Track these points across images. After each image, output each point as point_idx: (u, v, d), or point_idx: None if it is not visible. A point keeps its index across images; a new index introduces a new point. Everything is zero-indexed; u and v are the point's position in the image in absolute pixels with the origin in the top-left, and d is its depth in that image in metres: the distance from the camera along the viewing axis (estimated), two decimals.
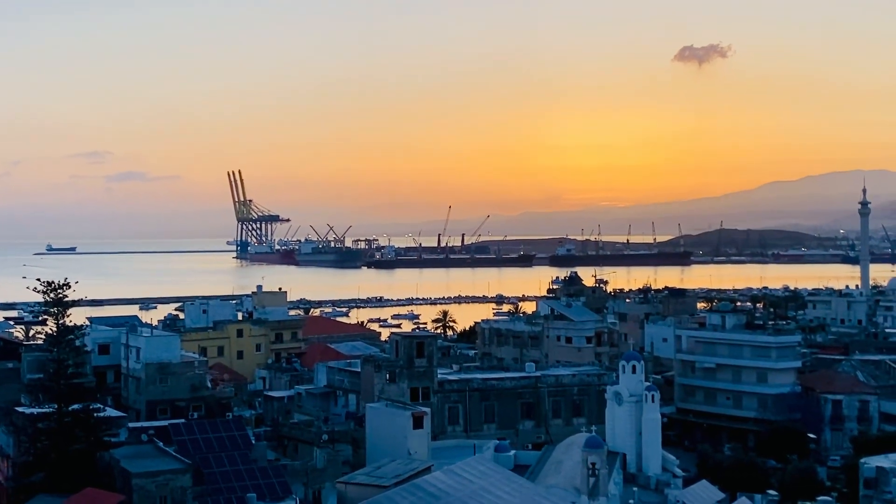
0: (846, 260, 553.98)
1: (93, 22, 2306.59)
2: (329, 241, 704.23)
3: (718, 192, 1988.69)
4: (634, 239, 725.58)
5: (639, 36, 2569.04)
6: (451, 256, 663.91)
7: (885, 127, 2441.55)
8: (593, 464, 49.48)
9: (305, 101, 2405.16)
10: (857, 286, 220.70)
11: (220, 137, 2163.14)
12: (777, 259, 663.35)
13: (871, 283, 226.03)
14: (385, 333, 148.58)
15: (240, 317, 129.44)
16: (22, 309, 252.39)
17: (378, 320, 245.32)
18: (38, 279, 64.82)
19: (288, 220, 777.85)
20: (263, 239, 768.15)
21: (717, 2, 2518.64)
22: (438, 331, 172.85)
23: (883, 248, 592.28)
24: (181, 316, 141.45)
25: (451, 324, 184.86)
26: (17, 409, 66.33)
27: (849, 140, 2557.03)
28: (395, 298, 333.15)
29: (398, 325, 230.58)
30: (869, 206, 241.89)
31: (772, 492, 67.20)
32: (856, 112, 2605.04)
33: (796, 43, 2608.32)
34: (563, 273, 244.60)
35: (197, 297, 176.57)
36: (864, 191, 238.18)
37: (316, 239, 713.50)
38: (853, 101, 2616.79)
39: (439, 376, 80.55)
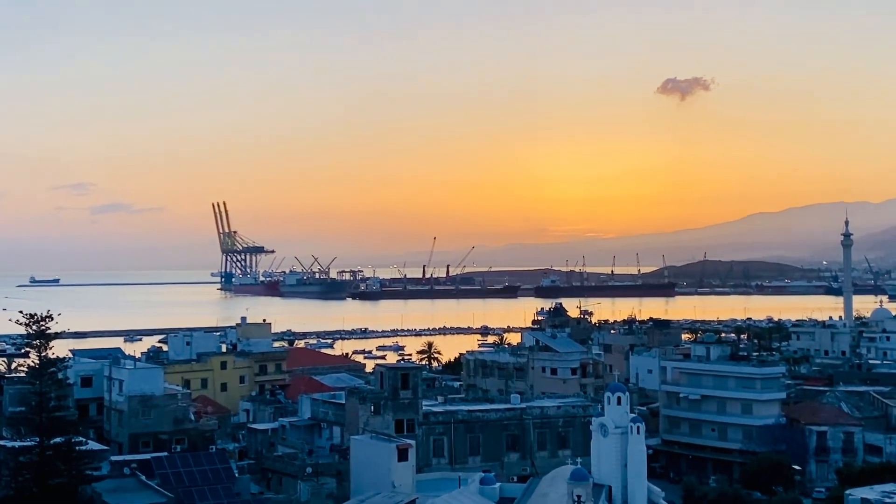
0: (829, 291, 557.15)
1: (77, 54, 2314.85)
2: (314, 273, 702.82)
3: (702, 224, 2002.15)
4: (619, 270, 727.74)
5: (622, 68, 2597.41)
6: (437, 287, 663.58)
7: (867, 159, 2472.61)
8: (579, 496, 49.33)
9: (290, 133, 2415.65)
10: (840, 317, 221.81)
11: (205, 169, 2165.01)
12: (761, 290, 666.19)
13: (854, 314, 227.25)
14: (370, 365, 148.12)
15: (224, 349, 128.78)
16: (4, 341, 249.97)
17: (363, 352, 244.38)
18: (21, 311, 64.43)
19: (273, 252, 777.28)
20: (248, 270, 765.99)
21: (700, 35, 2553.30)
22: (423, 362, 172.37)
23: (866, 280, 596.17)
24: (165, 348, 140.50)
25: (436, 355, 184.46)
26: None
27: (831, 172, 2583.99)
28: (379, 330, 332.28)
29: (383, 357, 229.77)
30: (851, 237, 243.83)
31: None
32: (838, 144, 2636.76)
33: (778, 76, 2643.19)
34: (547, 304, 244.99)
35: (181, 329, 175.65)
36: (847, 222, 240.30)
37: (300, 270, 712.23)
38: (835, 133, 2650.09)
39: (424, 408, 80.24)
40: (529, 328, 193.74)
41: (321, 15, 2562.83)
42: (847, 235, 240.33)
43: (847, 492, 64.49)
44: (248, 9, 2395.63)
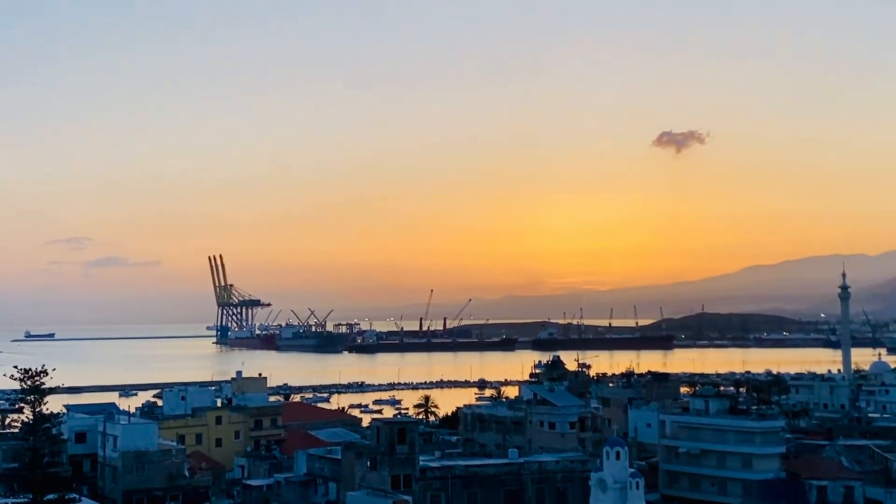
0: (828, 344, 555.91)
1: (71, 109, 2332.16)
2: (310, 326, 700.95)
3: (699, 276, 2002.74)
4: (616, 322, 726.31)
5: (618, 121, 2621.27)
6: (434, 340, 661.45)
7: (863, 212, 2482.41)
8: None
9: (286, 185, 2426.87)
10: (839, 370, 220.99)
11: (202, 222, 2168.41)
12: (759, 343, 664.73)
13: (853, 367, 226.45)
14: (366, 419, 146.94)
15: (219, 403, 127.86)
16: None
17: (359, 406, 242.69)
18: (15, 366, 64.21)
19: (269, 305, 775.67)
20: (244, 324, 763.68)
21: (695, 89, 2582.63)
22: (420, 416, 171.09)
23: (864, 333, 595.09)
24: (159, 403, 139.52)
25: (433, 409, 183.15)
26: None
27: (827, 225, 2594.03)
28: (376, 383, 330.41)
29: (379, 411, 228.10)
30: (849, 290, 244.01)
31: None
32: (833, 197, 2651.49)
33: (774, 129, 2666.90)
34: (545, 357, 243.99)
35: (176, 384, 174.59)
36: (844, 275, 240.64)
37: (297, 323, 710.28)
38: (831, 186, 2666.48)
39: (421, 463, 79.56)
40: (527, 381, 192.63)
41: (318, 67, 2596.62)
42: (844, 288, 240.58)
43: None
44: (243, 62, 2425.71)
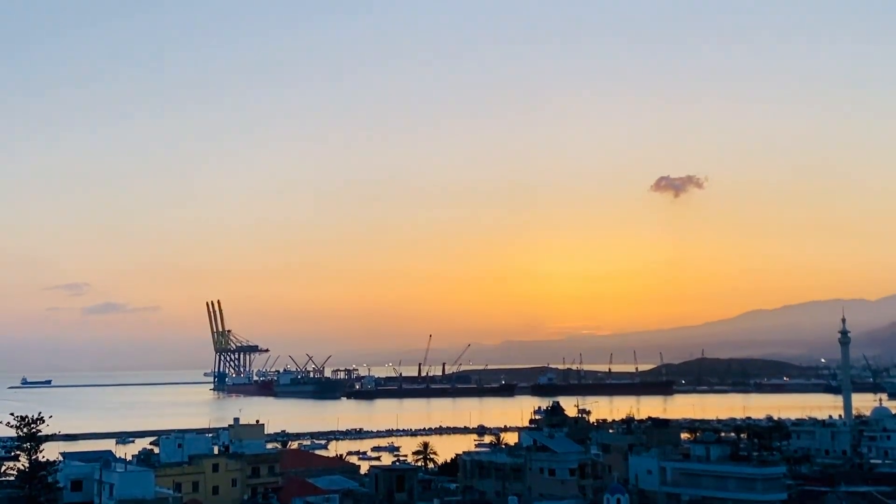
0: (828, 389, 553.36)
1: (69, 157, 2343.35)
2: (308, 372, 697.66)
3: (699, 321, 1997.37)
4: (616, 368, 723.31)
5: (616, 166, 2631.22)
6: (432, 386, 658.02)
7: (862, 257, 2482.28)
8: None
9: (284, 229, 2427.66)
10: (840, 416, 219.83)
11: (200, 268, 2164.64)
12: (759, 388, 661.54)
13: (854, 412, 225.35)
14: (365, 466, 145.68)
15: (216, 450, 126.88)
16: None
17: (357, 453, 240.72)
18: (12, 414, 63.96)
19: (267, 351, 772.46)
20: (242, 370, 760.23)
21: (693, 134, 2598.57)
22: (419, 463, 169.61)
23: (864, 378, 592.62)
24: (156, 450, 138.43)
25: (432, 456, 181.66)
26: None
27: (826, 269, 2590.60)
28: (374, 430, 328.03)
29: (378, 458, 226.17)
30: (849, 335, 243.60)
31: None
32: (832, 242, 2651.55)
33: (772, 174, 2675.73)
34: (545, 403, 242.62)
35: (173, 431, 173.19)
36: (844, 320, 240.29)
37: (295, 369, 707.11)
38: (830, 230, 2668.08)
39: None
40: (527, 428, 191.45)
41: (314, 112, 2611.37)
42: (844, 333, 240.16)
43: None
44: (240, 115, 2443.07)
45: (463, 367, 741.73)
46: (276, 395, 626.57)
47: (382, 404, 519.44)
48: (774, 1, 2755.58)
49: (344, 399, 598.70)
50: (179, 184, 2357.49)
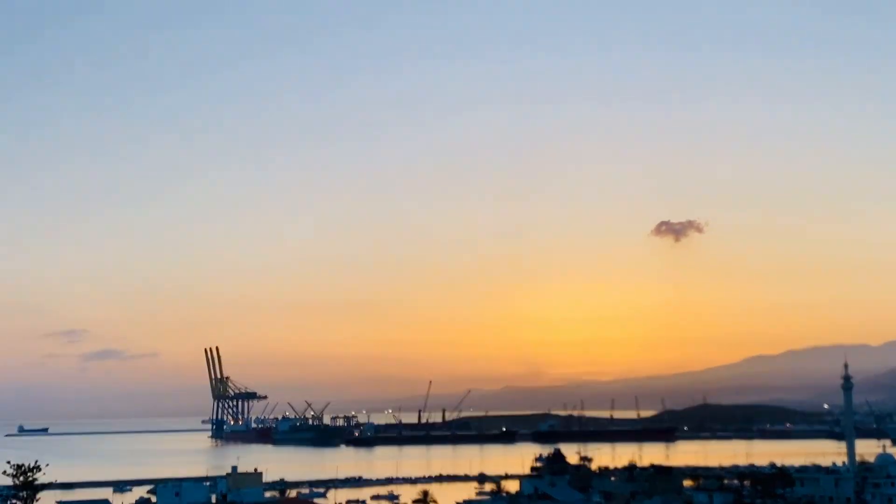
0: (832, 435, 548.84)
1: (69, 204, 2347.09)
2: (307, 419, 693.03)
3: (701, 366, 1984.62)
4: (618, 414, 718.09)
5: (616, 211, 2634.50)
6: (432, 433, 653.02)
7: (865, 302, 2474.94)
8: None
9: (283, 278, 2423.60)
10: (843, 462, 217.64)
11: (198, 312, 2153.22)
12: (763, 435, 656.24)
13: (857, 459, 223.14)
14: None
15: (213, 499, 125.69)
16: None
17: (357, 501, 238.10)
18: (8, 462, 63.37)
19: (265, 398, 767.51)
20: (240, 417, 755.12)
21: (693, 178, 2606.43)
22: None
23: (868, 424, 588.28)
24: (154, 499, 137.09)
25: None
26: None
27: (829, 314, 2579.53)
28: (374, 478, 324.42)
29: None
30: (851, 380, 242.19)
31: None
32: (835, 287, 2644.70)
33: (773, 218, 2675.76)
34: (546, 450, 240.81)
35: (170, 479, 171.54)
36: (846, 365, 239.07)
37: (293, 416, 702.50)
38: (832, 275, 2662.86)
39: None
40: (528, 476, 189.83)
41: (318, 170, 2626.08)
42: (847, 378, 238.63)
43: None
44: (240, 160, 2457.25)
45: (463, 414, 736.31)
46: (274, 442, 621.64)
47: (382, 451, 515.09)
48: (770, 53, 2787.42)
49: (343, 446, 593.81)
50: (176, 228, 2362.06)
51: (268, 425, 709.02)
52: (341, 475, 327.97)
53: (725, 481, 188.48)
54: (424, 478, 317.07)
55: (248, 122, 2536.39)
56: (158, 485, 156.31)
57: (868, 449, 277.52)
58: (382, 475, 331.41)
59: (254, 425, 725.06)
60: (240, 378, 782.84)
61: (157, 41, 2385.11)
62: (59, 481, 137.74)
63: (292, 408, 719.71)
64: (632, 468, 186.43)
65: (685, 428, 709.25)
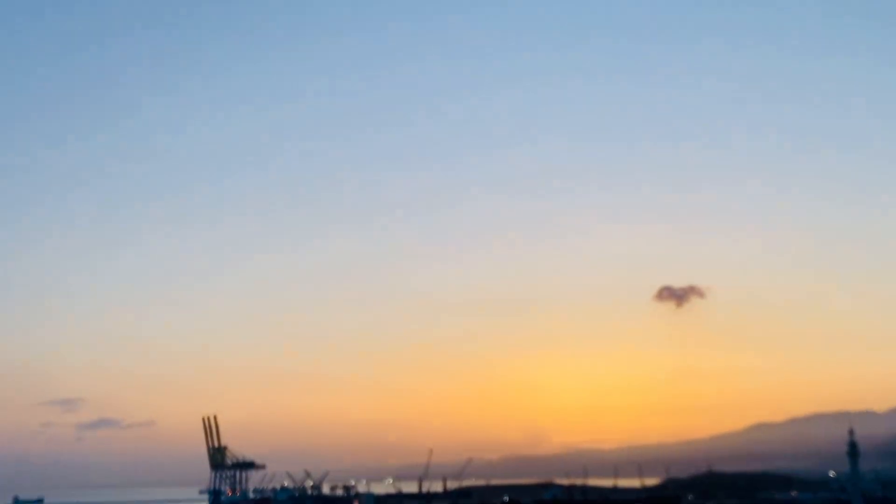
0: (838, 503, 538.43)
1: (65, 273, 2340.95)
2: (305, 489, 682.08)
3: (705, 434, 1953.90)
4: (621, 482, 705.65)
5: (618, 276, 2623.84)
6: (433, 503, 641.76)
7: (869, 367, 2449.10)
8: None
9: (281, 343, 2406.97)
10: None
11: (196, 380, 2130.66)
12: (769, 503, 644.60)
13: None
14: None
15: None
16: None
17: None
18: None
19: (264, 467, 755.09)
20: (238, 487, 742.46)
21: (695, 244, 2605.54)
22: None
23: (875, 491, 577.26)
24: None
25: None
26: None
27: (833, 380, 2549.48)
28: None
29: None
30: (857, 448, 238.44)
31: None
32: (838, 352, 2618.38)
33: (775, 284, 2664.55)
34: None
35: None
36: (852, 432, 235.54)
37: (292, 486, 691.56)
38: (835, 341, 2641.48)
39: None
40: None
41: (310, 219, 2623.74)
42: (853, 445, 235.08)
43: None
44: (234, 224, 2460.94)
45: (465, 483, 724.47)
46: None
47: None
48: (768, 112, 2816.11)
49: None
50: (172, 294, 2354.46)
51: (266, 495, 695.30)
52: None
53: None
54: None
55: (238, 186, 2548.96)
56: None
57: None
58: None
59: (252, 495, 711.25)
60: (238, 446, 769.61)
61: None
62: None
63: (291, 477, 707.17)
64: None
65: (690, 497, 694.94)
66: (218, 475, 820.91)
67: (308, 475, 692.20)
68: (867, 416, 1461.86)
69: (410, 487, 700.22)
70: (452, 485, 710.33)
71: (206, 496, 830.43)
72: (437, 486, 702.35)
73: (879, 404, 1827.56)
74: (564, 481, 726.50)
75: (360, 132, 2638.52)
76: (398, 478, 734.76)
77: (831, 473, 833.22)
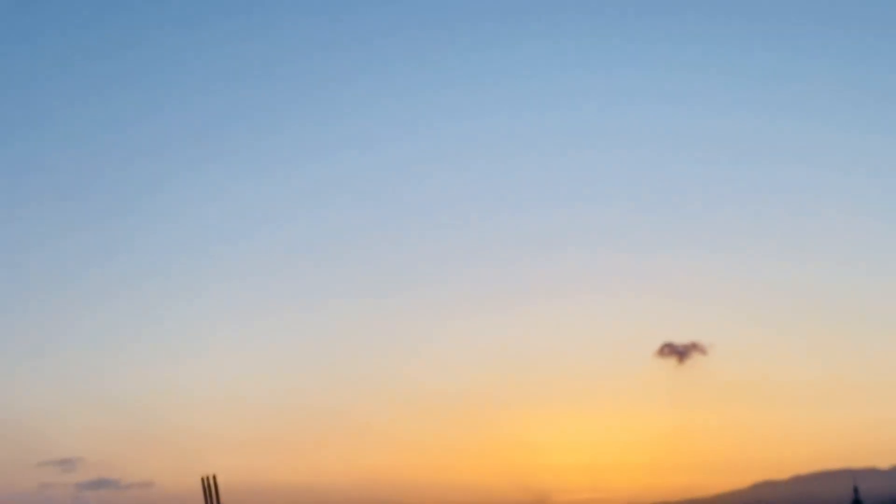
0: None
1: (61, 330, 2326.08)
2: None
3: (708, 492, 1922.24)
4: None
5: (618, 333, 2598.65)
6: None
7: (872, 424, 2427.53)
8: None
9: (281, 403, 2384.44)
10: None
11: (195, 439, 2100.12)
12: None
13: None
14: None
15: None
16: None
17: None
18: None
19: None
20: None
21: (697, 300, 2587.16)
22: None
23: None
24: None
25: None
26: None
27: (836, 436, 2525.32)
28: None
29: None
30: None
31: None
32: (841, 408, 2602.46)
33: (778, 340, 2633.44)
34: None
35: None
36: (856, 489, 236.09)
37: None
38: (840, 397, 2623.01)
39: None
40: None
41: (306, 281, 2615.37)
42: (857, 502, 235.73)
43: None
44: (238, 283, 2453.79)
45: None
46: None
47: None
48: (764, 167, 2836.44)
49: None
50: (172, 354, 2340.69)
51: None
52: None
53: None
54: None
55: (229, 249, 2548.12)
56: None
57: None
58: None
59: None
60: None
61: None
62: None
63: None
64: None
65: None
66: None
67: None
68: (871, 473, 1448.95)
69: None
70: None
71: None
72: None
73: (883, 461, 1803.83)
74: None
75: (347, 202, 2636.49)
76: None
77: None
